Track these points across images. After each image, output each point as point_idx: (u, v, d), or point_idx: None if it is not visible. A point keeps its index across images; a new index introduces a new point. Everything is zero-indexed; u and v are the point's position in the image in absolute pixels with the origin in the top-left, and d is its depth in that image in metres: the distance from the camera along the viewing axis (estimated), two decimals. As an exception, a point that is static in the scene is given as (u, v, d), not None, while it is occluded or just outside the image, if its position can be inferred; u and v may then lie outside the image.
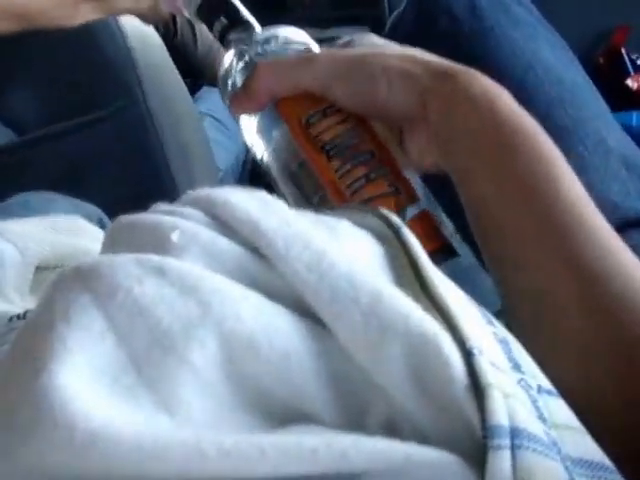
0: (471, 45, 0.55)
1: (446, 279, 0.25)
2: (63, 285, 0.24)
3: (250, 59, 0.41)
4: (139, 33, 0.76)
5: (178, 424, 0.20)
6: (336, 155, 0.36)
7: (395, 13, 0.65)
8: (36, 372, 0.20)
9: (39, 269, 0.45)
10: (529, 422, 0.19)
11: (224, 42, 0.43)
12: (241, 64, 0.42)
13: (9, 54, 0.69)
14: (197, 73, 1.23)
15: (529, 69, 0.51)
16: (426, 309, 0.21)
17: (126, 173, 0.77)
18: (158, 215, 0.26)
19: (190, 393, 0.21)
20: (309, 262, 0.22)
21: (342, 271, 0.22)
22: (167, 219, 0.26)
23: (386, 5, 1.37)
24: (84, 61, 0.72)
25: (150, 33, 0.81)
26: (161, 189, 0.80)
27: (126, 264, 0.23)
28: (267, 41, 0.42)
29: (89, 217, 0.60)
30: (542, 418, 0.20)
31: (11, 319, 0.37)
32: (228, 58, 0.43)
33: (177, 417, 0.20)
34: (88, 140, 0.74)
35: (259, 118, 0.41)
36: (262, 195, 0.27)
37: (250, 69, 0.40)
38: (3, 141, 0.71)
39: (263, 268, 0.23)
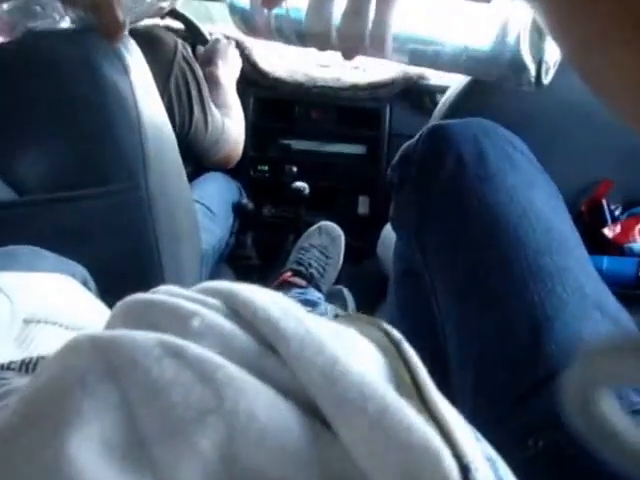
0: (474, 188, 0.60)
1: (442, 396, 0.27)
2: (79, 352, 0.25)
3: None
4: (155, 123, 0.80)
5: None
6: None
7: (406, 145, 0.71)
8: (49, 439, 0.21)
9: (25, 321, 0.45)
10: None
11: None
12: None
13: (27, 120, 0.72)
14: (201, 160, 1.29)
15: (523, 216, 0.56)
16: (427, 422, 0.23)
17: (115, 245, 0.79)
18: (178, 299, 0.28)
19: (192, 478, 0.22)
20: (322, 367, 0.24)
21: (353, 379, 0.24)
22: (188, 304, 0.28)
23: (386, 130, 1.48)
24: (96, 138, 0.74)
25: (165, 126, 0.86)
26: (148, 264, 0.82)
27: (147, 342, 0.24)
28: None
29: (73, 276, 0.61)
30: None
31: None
32: None
33: None
34: (85, 211, 0.76)
35: None
36: (281, 297, 0.29)
37: None
38: (3, 198, 0.73)
39: (277, 366, 0.25)
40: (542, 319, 0.49)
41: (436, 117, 0.93)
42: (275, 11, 0.44)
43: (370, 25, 0.40)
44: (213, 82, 1.30)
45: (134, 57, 0.76)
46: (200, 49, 1.45)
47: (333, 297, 1.37)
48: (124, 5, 0.45)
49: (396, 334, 0.30)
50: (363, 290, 1.38)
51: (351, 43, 0.41)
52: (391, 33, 0.41)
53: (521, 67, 0.40)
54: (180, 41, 1.13)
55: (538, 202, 0.58)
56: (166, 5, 0.51)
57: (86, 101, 0.74)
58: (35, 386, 0.24)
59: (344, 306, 1.33)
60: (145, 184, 0.78)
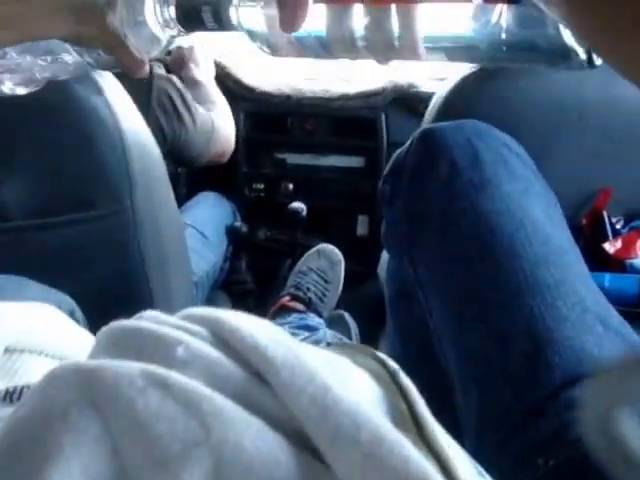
0: (468, 196, 0.59)
1: (441, 427, 0.27)
2: (61, 383, 0.25)
3: None
4: (138, 142, 0.80)
5: None
6: None
7: (397, 153, 0.70)
8: (30, 475, 0.21)
9: (8, 350, 0.45)
10: None
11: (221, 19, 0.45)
12: None
13: (8, 146, 0.73)
14: (197, 162, 1.32)
15: (520, 226, 0.56)
16: (425, 455, 0.23)
17: (102, 272, 0.79)
18: (163, 326, 0.28)
19: None
20: (313, 396, 0.24)
21: (345, 408, 0.23)
22: (173, 332, 0.27)
23: (384, 139, 1.47)
24: (79, 162, 0.74)
25: (150, 144, 0.86)
26: (136, 291, 0.82)
27: (130, 373, 0.24)
28: None
29: (59, 305, 0.61)
30: None
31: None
32: None
33: None
34: (68, 237, 0.76)
35: None
36: (269, 324, 0.29)
37: None
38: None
39: (266, 395, 0.25)
40: (542, 331, 0.49)
41: (427, 121, 0.92)
42: (295, 34, 0.44)
43: (396, 32, 0.40)
44: (192, 83, 1.35)
45: (104, 76, 0.77)
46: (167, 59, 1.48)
47: (335, 323, 1.36)
48: (136, 43, 0.46)
49: (392, 364, 0.30)
50: (365, 314, 1.38)
51: (381, 50, 0.42)
52: (420, 36, 0.40)
53: (567, 50, 0.39)
54: (152, 62, 1.16)
55: (535, 212, 0.58)
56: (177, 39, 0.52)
57: (67, 125, 0.74)
58: (16, 418, 0.24)
59: (347, 331, 1.33)
60: (131, 206, 0.78)
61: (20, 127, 0.72)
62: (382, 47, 0.41)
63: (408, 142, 0.68)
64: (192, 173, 1.54)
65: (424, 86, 1.43)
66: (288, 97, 1.48)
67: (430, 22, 0.41)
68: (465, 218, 0.58)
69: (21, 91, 0.51)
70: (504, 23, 0.41)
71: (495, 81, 0.84)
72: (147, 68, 0.47)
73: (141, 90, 1.11)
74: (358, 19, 0.41)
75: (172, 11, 0.47)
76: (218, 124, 1.32)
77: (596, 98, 0.82)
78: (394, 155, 0.71)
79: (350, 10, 0.41)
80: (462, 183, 0.60)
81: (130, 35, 0.45)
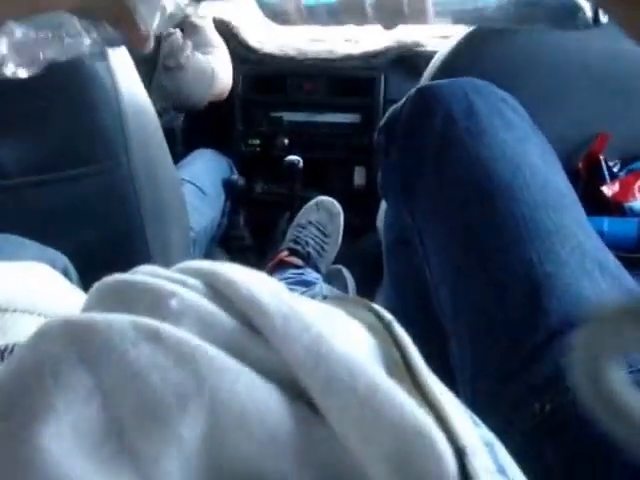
0: (464, 143, 0.59)
1: (436, 378, 0.27)
2: (51, 338, 0.24)
3: None
4: (134, 99, 0.80)
5: None
6: None
7: (393, 107, 0.70)
8: (20, 431, 0.21)
9: (0, 310, 0.45)
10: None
11: None
12: None
13: (3, 105, 0.72)
14: (198, 105, 1.35)
15: (517, 172, 0.56)
16: (419, 404, 0.23)
17: (101, 229, 0.79)
18: (157, 279, 0.28)
19: (173, 466, 0.22)
20: (308, 345, 0.24)
21: (340, 358, 0.23)
22: (167, 284, 0.27)
23: (381, 95, 1.46)
24: (74, 119, 0.75)
25: (146, 105, 0.86)
26: (134, 248, 0.82)
27: (122, 325, 0.24)
28: None
29: (53, 264, 0.61)
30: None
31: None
32: None
33: None
34: (66, 193, 0.76)
35: None
36: (264, 276, 0.29)
37: None
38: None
39: (259, 346, 0.25)
40: (541, 277, 0.49)
41: (426, 79, 0.92)
42: (305, 2, 0.44)
43: None
44: (191, 28, 1.37)
45: None
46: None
47: (332, 277, 1.37)
48: (146, 17, 0.45)
49: (387, 315, 0.30)
50: (364, 267, 1.38)
51: (390, 16, 0.41)
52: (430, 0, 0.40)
53: (574, 8, 0.39)
54: None
55: (532, 157, 0.58)
56: (189, 13, 0.50)
57: (65, 85, 0.74)
58: (5, 375, 0.24)
59: (344, 286, 1.33)
60: (127, 162, 0.77)
61: (15, 86, 0.71)
62: (390, 12, 0.40)
63: (404, 98, 0.68)
64: (188, 130, 1.53)
65: (429, 44, 1.42)
66: (291, 59, 1.48)
67: None
68: (461, 165, 0.58)
69: (22, 74, 0.50)
70: None
71: (495, 39, 0.84)
72: (152, 43, 0.45)
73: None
74: None
75: None
76: (217, 68, 1.34)
77: (598, 48, 0.82)
78: (390, 109, 0.71)
79: None
80: (458, 132, 0.60)
81: (139, 5, 0.43)
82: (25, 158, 0.73)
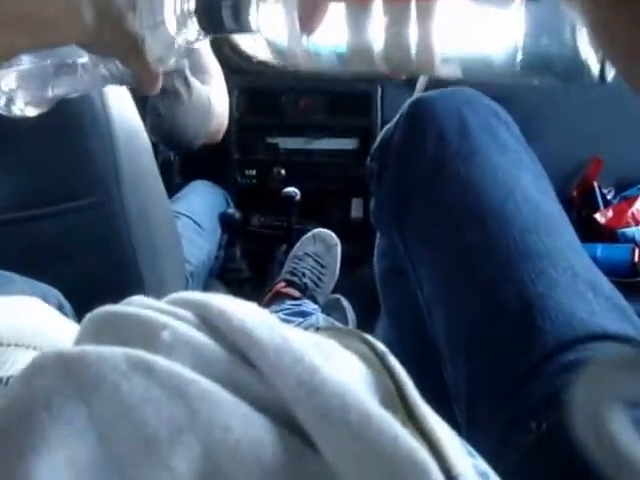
0: (456, 166, 0.59)
1: (430, 409, 0.27)
2: (44, 370, 0.24)
3: None
4: (127, 130, 0.79)
5: None
6: None
7: (386, 128, 0.70)
8: (14, 464, 0.21)
9: None
10: None
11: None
12: None
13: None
14: (193, 144, 1.29)
15: (509, 196, 0.56)
16: (413, 435, 0.23)
17: (93, 264, 0.79)
18: (149, 311, 0.28)
19: None
20: (300, 376, 0.24)
21: (333, 389, 0.23)
22: (158, 316, 0.27)
23: (378, 117, 1.46)
24: (66, 151, 0.73)
25: (139, 132, 0.85)
26: (128, 282, 0.81)
27: (114, 358, 0.24)
28: None
29: (45, 298, 0.61)
30: None
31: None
32: None
33: None
34: (57, 228, 0.76)
35: None
36: (255, 307, 0.29)
37: None
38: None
39: (252, 378, 0.25)
40: (534, 298, 0.49)
41: (418, 90, 0.92)
42: (312, 48, 0.44)
43: (415, 47, 0.41)
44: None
45: None
46: None
47: (331, 307, 1.36)
48: (154, 54, 0.45)
49: (380, 346, 0.30)
50: (362, 298, 1.38)
51: (398, 66, 0.42)
52: (438, 52, 0.41)
53: (581, 65, 0.40)
54: None
55: (524, 181, 0.58)
56: (193, 46, 0.50)
57: (55, 113, 0.73)
58: (1, 407, 0.24)
59: (343, 316, 1.33)
60: (119, 196, 0.77)
61: (13, 122, 0.71)
62: (399, 62, 0.41)
63: (397, 116, 0.68)
64: (185, 161, 1.53)
65: None
66: (285, 66, 1.47)
67: (448, 37, 0.42)
68: (454, 188, 0.59)
69: (31, 112, 0.49)
70: (521, 36, 0.41)
71: None
72: (160, 83, 0.45)
73: None
74: (378, 33, 0.41)
75: (192, 6, 0.45)
76: (213, 100, 1.30)
77: None
78: (382, 131, 0.71)
79: (370, 23, 0.41)
80: (450, 155, 0.60)
81: (149, 39, 0.43)
82: (15, 193, 0.73)
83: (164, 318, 0.27)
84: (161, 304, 0.29)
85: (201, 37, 0.47)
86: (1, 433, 0.22)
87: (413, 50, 0.41)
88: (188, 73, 1.20)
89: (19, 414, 0.23)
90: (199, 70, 1.31)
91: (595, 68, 0.39)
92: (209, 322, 0.27)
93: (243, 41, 1.48)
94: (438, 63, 0.41)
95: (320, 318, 1.21)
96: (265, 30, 0.45)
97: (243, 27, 0.44)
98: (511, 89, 0.83)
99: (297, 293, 1.33)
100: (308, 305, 1.31)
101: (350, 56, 0.43)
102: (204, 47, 1.37)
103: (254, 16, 0.44)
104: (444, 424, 0.27)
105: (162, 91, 1.20)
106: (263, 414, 0.23)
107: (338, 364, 0.27)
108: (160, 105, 1.16)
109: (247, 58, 1.48)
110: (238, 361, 0.26)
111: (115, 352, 0.25)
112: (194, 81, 1.22)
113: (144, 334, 0.26)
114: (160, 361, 0.24)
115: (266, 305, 1.30)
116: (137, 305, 0.30)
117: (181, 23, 0.45)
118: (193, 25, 0.46)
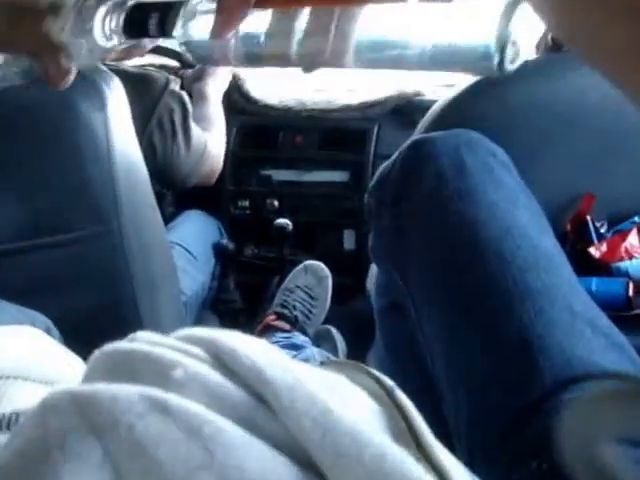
0: (454, 205, 0.60)
1: (439, 443, 0.27)
2: (58, 410, 0.24)
3: None
4: (127, 162, 0.80)
5: None
6: None
7: (383, 166, 0.71)
8: None
9: None
10: None
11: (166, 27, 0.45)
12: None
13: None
14: (184, 183, 1.31)
15: (507, 234, 0.57)
16: (426, 470, 0.23)
17: (90, 294, 0.79)
18: (160, 348, 0.28)
19: None
20: (315, 417, 0.24)
21: (347, 429, 0.24)
22: (170, 353, 0.27)
23: (372, 150, 1.48)
24: (66, 182, 0.74)
25: (138, 164, 0.85)
26: (124, 312, 0.81)
27: (128, 397, 0.24)
28: None
29: (33, 324, 0.61)
30: None
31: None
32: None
33: None
34: (55, 258, 0.76)
35: None
36: (266, 344, 0.29)
37: None
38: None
39: (268, 417, 0.25)
40: (533, 338, 0.50)
41: (419, 131, 0.94)
42: (231, 42, 0.45)
43: (331, 40, 0.41)
44: (199, 96, 1.36)
45: (114, 93, 0.76)
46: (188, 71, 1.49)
47: (321, 338, 1.36)
48: (73, 51, 0.45)
49: (387, 381, 0.30)
50: (353, 330, 1.38)
51: (312, 59, 0.42)
52: (353, 45, 0.41)
53: (486, 56, 0.41)
54: (172, 77, 1.19)
55: (521, 219, 0.59)
56: (144, 46, 0.51)
57: (57, 139, 0.74)
58: (13, 449, 0.24)
59: (333, 347, 1.32)
60: (118, 227, 0.77)
61: (6, 143, 0.72)
62: (314, 53, 0.41)
63: (395, 154, 0.69)
64: (178, 192, 1.54)
65: (430, 94, 1.44)
66: (289, 109, 1.49)
67: (363, 31, 0.43)
68: (452, 227, 0.59)
69: None
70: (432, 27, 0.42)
71: (489, 94, 0.86)
72: (71, 79, 0.45)
73: (147, 103, 1.12)
74: (297, 28, 0.42)
75: (121, 19, 0.46)
76: (210, 147, 1.32)
77: (591, 103, 0.84)
78: (380, 168, 0.71)
79: (290, 19, 0.42)
80: (447, 193, 0.61)
81: (72, 43, 0.43)
82: (14, 224, 0.72)
83: (175, 355, 0.27)
84: (170, 340, 0.29)
85: (124, 43, 0.48)
86: (17, 475, 0.22)
87: (330, 43, 0.41)
88: (190, 119, 1.23)
89: (33, 455, 0.23)
90: (204, 118, 1.34)
91: (496, 58, 0.40)
92: (220, 360, 0.27)
93: (254, 89, 1.52)
94: (350, 56, 0.41)
95: (315, 352, 1.20)
96: (186, 36, 0.46)
97: (166, 33, 0.45)
98: (512, 130, 0.84)
99: (287, 326, 1.33)
100: (298, 337, 1.30)
101: (268, 54, 0.44)
102: (217, 97, 1.41)
103: (179, 25, 0.45)
104: (454, 458, 0.27)
105: (161, 128, 1.20)
106: (279, 452, 0.23)
107: (349, 401, 0.27)
108: (156, 139, 1.17)
109: (253, 101, 1.52)
110: (253, 400, 0.26)
111: (129, 391, 0.24)
112: (194, 127, 1.25)
113: (156, 372, 0.26)
114: (175, 399, 0.24)
115: (257, 337, 1.29)
116: (145, 342, 0.30)
117: (108, 33, 0.46)
118: (119, 33, 0.47)
